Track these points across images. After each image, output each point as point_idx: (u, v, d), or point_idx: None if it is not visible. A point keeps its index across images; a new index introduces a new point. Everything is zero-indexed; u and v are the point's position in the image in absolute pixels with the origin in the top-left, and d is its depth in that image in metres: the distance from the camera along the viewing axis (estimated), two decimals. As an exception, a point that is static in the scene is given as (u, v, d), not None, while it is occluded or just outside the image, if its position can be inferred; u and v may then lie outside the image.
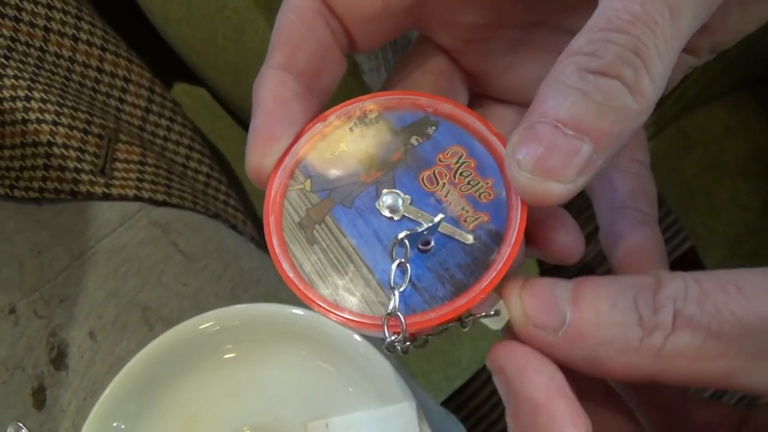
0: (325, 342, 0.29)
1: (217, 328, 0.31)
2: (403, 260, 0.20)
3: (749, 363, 0.16)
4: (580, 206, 0.33)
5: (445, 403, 0.52)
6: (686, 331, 0.16)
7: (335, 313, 0.20)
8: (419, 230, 0.20)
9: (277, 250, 0.21)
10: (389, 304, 0.19)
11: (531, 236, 0.22)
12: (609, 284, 0.17)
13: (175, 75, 0.55)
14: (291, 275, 0.21)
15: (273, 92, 0.21)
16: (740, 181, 0.54)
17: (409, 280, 0.20)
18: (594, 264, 0.65)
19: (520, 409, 0.17)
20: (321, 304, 0.20)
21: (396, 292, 0.19)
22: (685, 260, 0.79)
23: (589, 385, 0.20)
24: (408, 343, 0.20)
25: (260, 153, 0.21)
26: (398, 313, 0.19)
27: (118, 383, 0.30)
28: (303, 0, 0.21)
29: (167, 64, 0.51)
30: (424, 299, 0.20)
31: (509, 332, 0.19)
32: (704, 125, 0.56)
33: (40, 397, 0.35)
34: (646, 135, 0.59)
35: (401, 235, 0.20)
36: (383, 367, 0.28)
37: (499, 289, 0.19)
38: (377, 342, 0.22)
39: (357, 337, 0.22)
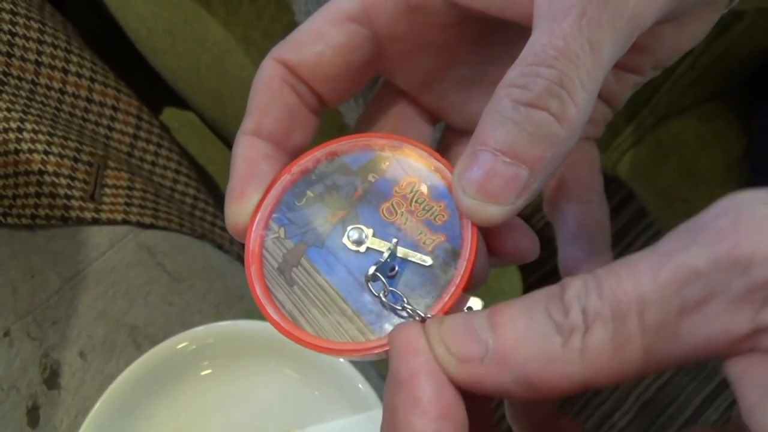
0: (295, 354, 0.30)
1: (194, 347, 0.33)
2: (383, 293, 0.21)
3: (654, 337, 0.16)
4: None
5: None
6: (597, 324, 0.17)
7: (319, 345, 0.22)
8: (382, 260, 0.22)
9: (260, 297, 0.22)
10: (388, 330, 0.21)
11: (491, 246, 0.23)
12: (521, 302, 0.18)
13: (165, 100, 0.57)
14: (275, 317, 0.22)
15: (243, 155, 0.23)
16: (715, 189, 0.55)
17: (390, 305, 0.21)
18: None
19: (387, 388, 0.18)
20: (305, 339, 0.22)
21: (396, 318, 0.21)
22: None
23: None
24: None
25: (234, 210, 0.23)
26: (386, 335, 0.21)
27: (102, 404, 0.31)
28: (269, 70, 0.23)
29: (158, 90, 0.53)
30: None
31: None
32: (679, 135, 0.58)
33: (34, 416, 0.36)
34: (622, 148, 0.61)
35: (371, 270, 0.21)
36: (350, 374, 0.29)
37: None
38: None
39: None
